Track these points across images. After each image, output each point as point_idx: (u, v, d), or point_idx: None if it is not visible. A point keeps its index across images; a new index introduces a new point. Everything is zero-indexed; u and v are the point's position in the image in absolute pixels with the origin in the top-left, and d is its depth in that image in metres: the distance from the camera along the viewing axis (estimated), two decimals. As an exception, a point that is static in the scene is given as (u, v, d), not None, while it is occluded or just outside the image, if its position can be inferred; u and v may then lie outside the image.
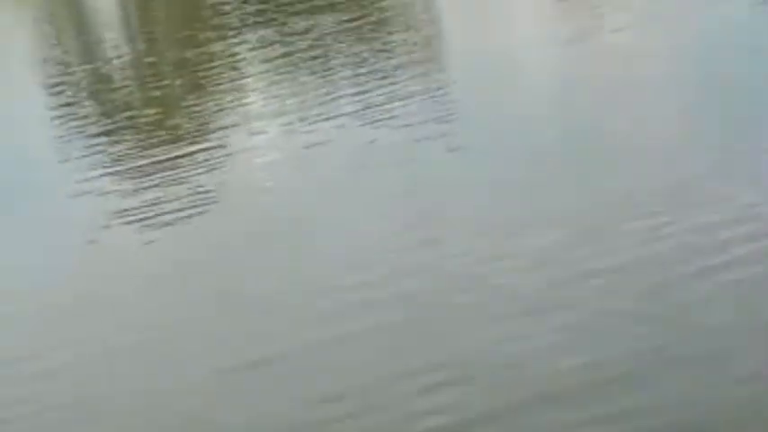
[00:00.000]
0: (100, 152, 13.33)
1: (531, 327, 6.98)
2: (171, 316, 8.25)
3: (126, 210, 10.78)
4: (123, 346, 7.81)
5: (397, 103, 12.80)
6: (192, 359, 7.41)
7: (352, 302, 7.77)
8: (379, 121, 12.26)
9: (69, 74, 19.36)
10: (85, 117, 15.47)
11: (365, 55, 15.90)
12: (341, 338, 7.26)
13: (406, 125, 11.93)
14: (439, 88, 13.34)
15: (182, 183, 11.29)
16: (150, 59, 19.38)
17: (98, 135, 14.23)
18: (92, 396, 7.21)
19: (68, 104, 16.60)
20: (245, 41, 18.89)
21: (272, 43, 18.11)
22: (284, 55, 16.97)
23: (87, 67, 19.85)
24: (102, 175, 12.22)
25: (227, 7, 23.47)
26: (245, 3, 23.42)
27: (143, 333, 7.98)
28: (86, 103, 16.63)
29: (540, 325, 6.97)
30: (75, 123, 15.12)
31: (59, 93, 17.77)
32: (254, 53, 17.71)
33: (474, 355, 6.74)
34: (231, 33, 19.92)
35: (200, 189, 10.97)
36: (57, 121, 15.70)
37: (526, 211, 8.93)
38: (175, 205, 10.61)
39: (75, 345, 8.01)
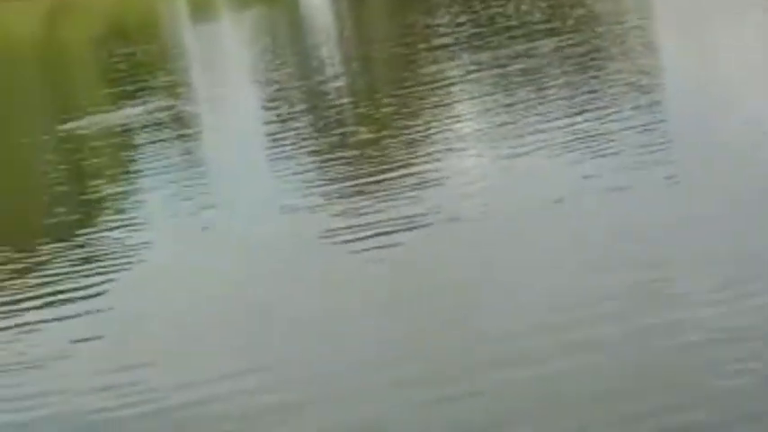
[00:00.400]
0: (311, 170, 13.42)
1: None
2: (369, 343, 8.14)
3: (333, 230, 10.76)
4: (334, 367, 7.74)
5: (610, 133, 12.51)
6: (394, 388, 7.30)
7: (554, 343, 7.53)
8: (592, 149, 12.00)
9: (284, 90, 19.65)
10: (298, 134, 15.63)
11: (581, 82, 15.65)
12: (540, 378, 7.04)
13: (620, 154, 11.64)
14: (656, 119, 12.99)
15: (389, 205, 11.22)
16: (364, 79, 19.50)
17: (310, 153, 14.35)
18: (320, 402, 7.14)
19: (282, 121, 16.83)
20: (459, 64, 18.85)
21: (486, 67, 18.01)
22: (498, 79, 16.85)
23: (301, 84, 20.10)
24: (312, 194, 12.26)
25: (442, 29, 23.52)
26: (460, 25, 23.42)
27: (343, 355, 7.91)
28: (299, 120, 16.82)
29: None
30: (287, 140, 15.28)
31: (273, 109, 18.04)
32: (469, 76, 17.63)
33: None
34: (446, 55, 19.91)
35: (407, 213, 10.87)
36: (270, 138, 15.94)
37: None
38: (381, 227, 10.54)
39: (283, 364, 7.97)
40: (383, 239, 10.19)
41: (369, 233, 10.40)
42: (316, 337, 8.30)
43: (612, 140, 12.18)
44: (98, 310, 9.56)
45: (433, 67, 18.91)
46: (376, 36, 25.83)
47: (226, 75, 24.57)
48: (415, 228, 10.39)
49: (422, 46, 21.60)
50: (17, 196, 15.46)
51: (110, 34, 38.80)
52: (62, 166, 16.78)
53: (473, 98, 16.03)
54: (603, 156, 11.72)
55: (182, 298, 9.74)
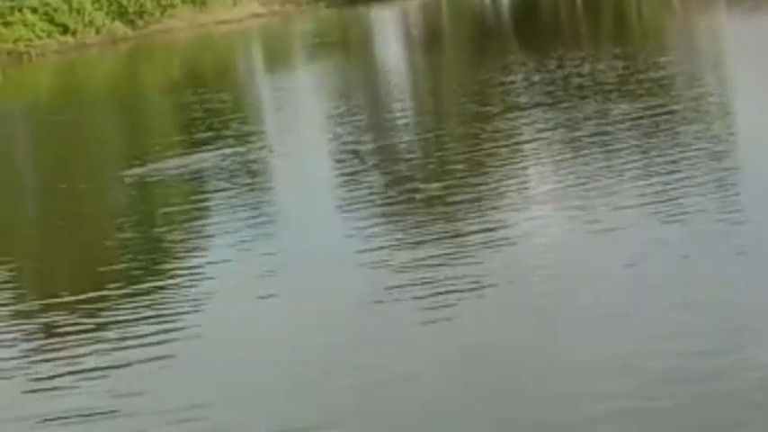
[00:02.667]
0: (380, 224, 13.40)
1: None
2: (424, 404, 8.05)
3: (398, 286, 10.71)
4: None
5: (682, 198, 12.38)
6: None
7: (608, 410, 7.40)
8: (663, 215, 11.88)
9: (355, 143, 19.67)
10: (368, 188, 15.62)
11: (654, 146, 15.53)
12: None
13: (691, 221, 11.51)
14: (729, 187, 12.83)
15: (456, 263, 11.16)
16: (436, 134, 19.49)
17: (379, 207, 14.33)
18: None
19: (352, 174, 16.83)
20: (532, 123, 18.78)
21: (559, 127, 17.94)
22: (571, 140, 16.76)
23: (373, 136, 20.13)
24: (379, 249, 12.22)
25: (516, 86, 23.49)
26: (534, 84, 23.37)
27: (399, 414, 7.83)
28: (370, 173, 16.81)
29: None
30: (356, 194, 15.27)
31: (344, 161, 18.06)
32: (541, 135, 17.56)
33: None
34: (519, 114, 19.86)
35: (473, 272, 10.79)
36: (339, 190, 15.95)
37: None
38: (447, 286, 10.47)
39: (338, 422, 7.91)
40: (448, 298, 10.13)
41: (434, 291, 10.35)
42: (372, 395, 8.24)
43: (684, 207, 12.05)
44: (159, 359, 9.56)
45: (506, 125, 18.86)
46: (450, 90, 25.82)
47: (298, 125, 24.67)
48: (480, 288, 10.32)
49: (495, 103, 21.57)
50: (84, 240, 15.56)
51: (186, 80, 39.19)
52: (131, 211, 16.90)
53: (544, 158, 15.96)
54: (674, 222, 11.60)
55: (242, 350, 9.72)
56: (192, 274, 12.25)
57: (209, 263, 12.75)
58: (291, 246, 13.29)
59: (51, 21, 62.72)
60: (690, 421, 7.20)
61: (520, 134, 17.96)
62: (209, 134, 23.06)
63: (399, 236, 12.63)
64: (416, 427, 7.59)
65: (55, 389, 9.13)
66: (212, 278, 12.07)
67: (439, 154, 17.47)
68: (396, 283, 10.82)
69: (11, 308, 11.71)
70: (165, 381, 9.09)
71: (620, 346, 8.53)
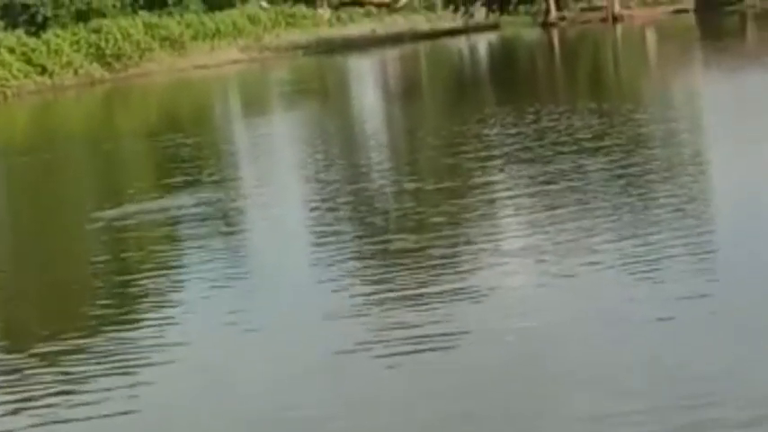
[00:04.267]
0: (352, 276, 13.34)
1: None
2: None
3: (369, 341, 10.65)
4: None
5: (657, 259, 12.36)
6: None
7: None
8: (636, 274, 11.85)
9: (330, 192, 19.64)
10: (342, 238, 15.59)
11: (629, 203, 15.54)
12: None
13: (665, 282, 11.50)
14: (704, 247, 12.82)
15: (428, 318, 11.10)
16: (411, 186, 19.46)
17: (352, 259, 14.28)
18: None
19: (326, 224, 16.79)
20: (508, 177, 18.82)
21: (535, 182, 17.94)
22: (546, 195, 16.76)
23: (349, 186, 20.10)
24: (351, 302, 12.16)
25: (492, 139, 23.54)
26: (511, 136, 23.42)
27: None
28: (344, 223, 16.78)
29: None
30: (330, 244, 15.23)
31: (319, 210, 18.02)
32: (516, 190, 17.57)
33: None
34: (495, 167, 19.90)
35: (444, 328, 10.72)
36: (313, 240, 15.90)
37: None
38: (419, 341, 10.40)
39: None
40: (419, 354, 10.06)
41: (405, 347, 10.29)
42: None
43: (658, 267, 12.03)
44: (125, 412, 9.44)
45: (481, 179, 18.87)
46: (426, 142, 25.84)
47: (274, 172, 24.63)
48: (451, 344, 10.26)
49: (471, 156, 21.58)
50: (51, 283, 15.44)
51: (162, 123, 39.18)
52: (101, 255, 16.80)
53: (519, 213, 15.94)
54: (648, 281, 11.58)
55: (210, 401, 9.62)
56: (159, 322, 12.15)
57: (177, 311, 12.65)
58: (262, 296, 13.23)
59: (29, 61, 62.80)
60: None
61: (495, 188, 17.97)
62: (185, 179, 23.01)
63: (373, 289, 12.56)
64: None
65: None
66: (180, 327, 11.97)
67: (413, 206, 17.43)
68: (368, 337, 10.75)
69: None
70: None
71: (587, 408, 8.48)
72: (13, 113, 55.38)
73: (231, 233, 17.39)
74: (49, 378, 10.34)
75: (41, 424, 9.19)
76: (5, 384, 10.38)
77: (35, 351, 11.32)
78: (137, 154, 31.35)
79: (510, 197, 17.10)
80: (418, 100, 39.44)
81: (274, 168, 25.24)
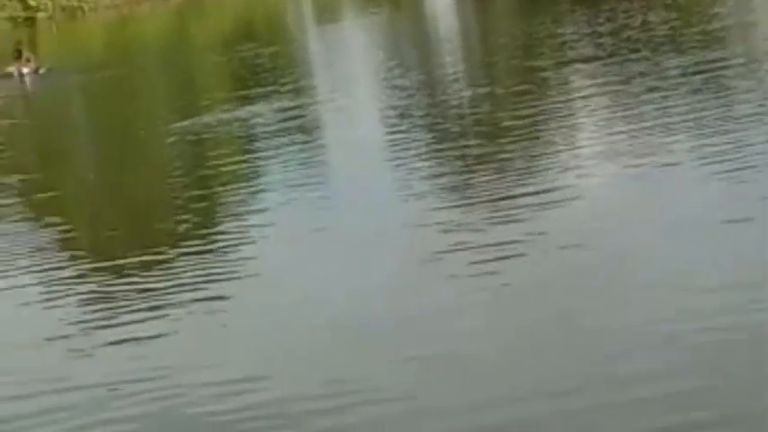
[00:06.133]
0: (431, 182, 13.29)
1: None
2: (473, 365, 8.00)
3: (449, 245, 10.62)
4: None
5: (737, 157, 12.16)
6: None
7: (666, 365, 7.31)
8: (718, 173, 11.69)
9: (406, 97, 19.59)
10: (420, 144, 15.55)
11: (708, 101, 15.31)
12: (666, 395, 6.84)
13: (747, 182, 11.31)
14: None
15: (509, 222, 11.05)
16: (487, 88, 19.34)
17: (431, 164, 14.23)
18: None
19: (404, 130, 16.75)
20: (584, 76, 18.61)
21: (611, 80, 17.74)
22: (623, 94, 16.57)
23: (425, 91, 20.04)
24: (430, 206, 12.15)
25: (567, 39, 23.26)
26: (586, 36, 23.13)
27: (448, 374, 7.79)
28: (422, 129, 16.74)
29: None
30: (408, 149, 15.20)
31: (395, 116, 17.99)
32: (593, 89, 17.39)
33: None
34: (571, 67, 19.68)
35: (523, 234, 10.67)
36: (390, 146, 15.88)
37: None
38: (500, 246, 10.35)
39: (381, 381, 7.88)
40: (498, 260, 10.02)
41: (486, 252, 10.24)
42: (416, 354, 8.20)
43: (738, 166, 11.85)
44: (209, 326, 9.55)
45: (557, 80, 18.70)
46: (500, 44, 25.63)
47: (349, 78, 24.62)
48: (530, 249, 10.21)
49: (546, 57, 21.39)
50: (133, 198, 15.60)
51: (237, 34, 39.19)
52: (181, 169, 16.94)
53: (596, 114, 15.78)
54: (730, 181, 11.42)
55: (292, 312, 9.68)
56: (239, 235, 12.19)
57: (256, 223, 12.68)
58: (341, 204, 13.25)
59: (104, -25, 62.91)
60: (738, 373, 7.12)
61: (572, 89, 17.80)
62: (261, 89, 23.08)
63: (450, 196, 12.54)
64: (459, 387, 7.56)
65: (101, 357, 9.13)
66: (261, 240, 12.02)
67: (490, 110, 17.34)
68: (448, 241, 10.73)
69: (63, 271, 11.74)
70: (217, 349, 9.06)
71: (667, 315, 8.43)
72: (90, 28, 55.71)
73: (308, 142, 17.44)
74: (131, 294, 10.46)
75: (126, 340, 9.31)
76: (90, 301, 10.54)
77: (117, 266, 11.46)
78: (212, 65, 31.44)
79: (586, 97, 16.93)
80: (492, 1, 39.00)
81: (350, 75, 25.21)
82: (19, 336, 9.80)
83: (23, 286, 11.24)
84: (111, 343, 9.29)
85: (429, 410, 7.30)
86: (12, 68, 32.01)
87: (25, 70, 32.02)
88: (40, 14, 59.70)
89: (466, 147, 14.89)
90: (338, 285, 10.19)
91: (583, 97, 17.05)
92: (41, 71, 32.18)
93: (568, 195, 11.75)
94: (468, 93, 19.66)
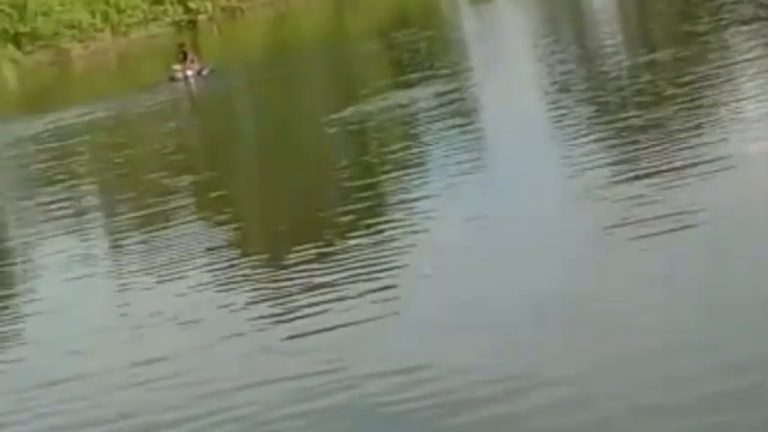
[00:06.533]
0: (595, 157, 13.13)
1: None
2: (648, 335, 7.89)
3: (616, 219, 10.50)
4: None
5: None
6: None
7: None
8: None
9: (565, 73, 19.42)
10: (581, 119, 15.38)
11: None
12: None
13: None
14: None
15: (676, 194, 10.85)
16: (647, 58, 19.04)
17: (594, 139, 14.06)
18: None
19: (564, 106, 16.61)
20: (745, 39, 18.17)
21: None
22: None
23: (583, 66, 19.83)
24: (594, 181, 12.01)
25: (725, 1, 22.74)
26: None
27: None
28: (582, 104, 16.56)
29: None
30: (570, 126, 15.06)
31: (555, 93, 17.84)
32: (755, 52, 16.96)
33: None
34: (730, 30, 19.24)
35: (693, 206, 10.46)
36: (552, 123, 15.75)
37: None
38: (668, 218, 10.19)
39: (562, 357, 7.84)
40: (672, 233, 9.84)
41: (656, 224, 10.08)
42: (592, 335, 8.14)
43: None
44: (378, 317, 9.60)
45: (718, 45, 18.30)
46: (657, 10, 25.17)
47: (506, 56, 24.51)
48: (701, 219, 10.03)
49: (705, 20, 20.94)
50: (301, 189, 15.79)
51: (391, 22, 39.33)
52: (342, 158, 17.10)
53: (759, 77, 15.37)
54: None
55: (463, 288, 9.68)
56: (407, 222, 12.20)
57: (423, 209, 12.67)
58: (506, 184, 13.19)
59: (259, -26, 63.74)
60: None
61: (733, 53, 17.40)
62: (418, 74, 23.13)
63: (617, 168, 12.37)
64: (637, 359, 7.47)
65: (279, 352, 9.26)
66: (428, 225, 11.99)
67: (651, 80, 17.05)
68: (614, 215, 10.60)
69: (236, 269, 11.95)
70: (392, 338, 9.11)
71: None
72: (249, 27, 56.57)
73: (469, 124, 17.43)
74: (302, 288, 10.55)
75: (302, 334, 9.40)
76: (264, 297, 10.69)
77: (287, 261, 11.58)
78: (370, 54, 31.63)
79: (748, 60, 16.52)
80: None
81: (507, 53, 25.11)
82: (197, 335, 10.02)
83: (199, 286, 11.49)
84: (288, 338, 9.42)
85: (604, 394, 7.24)
86: (177, 71, 32.71)
87: (189, 72, 32.70)
88: (201, 17, 60.88)
89: (628, 118, 14.69)
90: (508, 268, 10.14)
91: (745, 60, 16.65)
92: (205, 72, 32.83)
93: (736, 163, 11.49)
94: (627, 63, 19.38)
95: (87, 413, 8.73)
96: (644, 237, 9.86)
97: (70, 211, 17.13)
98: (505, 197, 12.62)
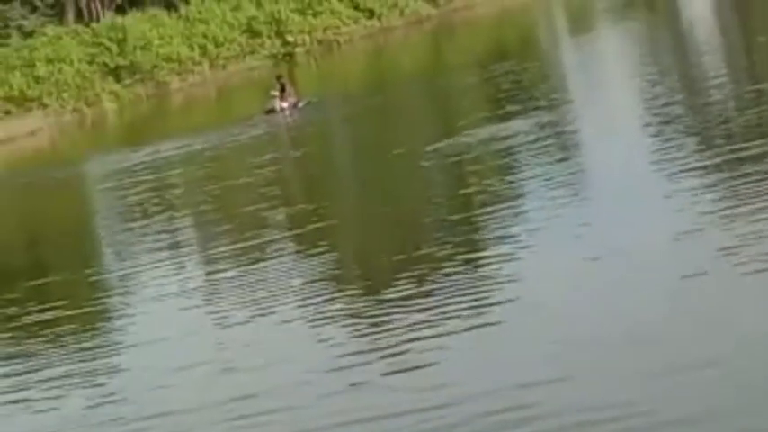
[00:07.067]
0: (700, 191, 12.77)
1: None
2: None
3: (725, 252, 10.16)
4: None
5: None
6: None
7: None
8: None
9: (668, 105, 19.03)
10: (684, 152, 14.99)
11: None
12: None
13: None
14: None
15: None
16: (754, 88, 18.58)
17: (698, 172, 13.68)
18: None
19: (667, 139, 16.20)
20: None
21: None
22: None
23: (686, 98, 19.44)
24: (700, 216, 11.68)
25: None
26: None
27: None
28: (686, 137, 16.12)
29: None
30: (673, 158, 14.68)
31: (657, 125, 17.46)
32: None
33: None
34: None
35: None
36: (654, 155, 15.37)
37: None
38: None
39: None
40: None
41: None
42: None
43: None
44: (483, 336, 9.39)
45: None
46: (762, 42, 24.62)
47: (607, 88, 24.18)
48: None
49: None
50: (399, 221, 15.62)
51: (489, 53, 39.17)
52: (439, 190, 16.94)
53: None
54: None
55: (567, 321, 9.44)
56: (506, 256, 11.98)
57: (522, 243, 12.43)
58: (608, 218, 12.91)
59: (357, 7, 64.08)
60: None
61: None
62: (517, 106, 22.87)
63: (721, 204, 12.01)
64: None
65: (382, 387, 9.08)
66: (528, 259, 11.77)
67: (758, 111, 16.61)
68: (723, 248, 10.26)
69: (335, 302, 11.77)
70: (491, 374, 8.88)
71: None
72: (347, 60, 56.79)
73: (569, 157, 17.13)
74: (402, 323, 10.36)
75: (403, 369, 9.23)
76: (363, 331, 10.52)
77: (386, 296, 11.41)
78: (468, 86, 31.45)
79: None
80: (748, 3, 37.68)
81: (607, 85, 24.76)
82: (293, 371, 9.85)
83: (295, 320, 11.35)
84: (386, 374, 9.24)
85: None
86: (274, 104, 32.82)
87: (284, 105, 32.79)
88: (298, 49, 61.25)
89: (735, 150, 14.28)
90: (611, 302, 9.87)
91: None
92: (301, 105, 32.89)
93: None
94: (732, 94, 18.94)
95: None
96: (757, 272, 9.51)
97: (166, 243, 17.13)
98: (609, 231, 12.30)
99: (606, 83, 25.13)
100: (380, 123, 27.34)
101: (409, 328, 10.11)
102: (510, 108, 22.79)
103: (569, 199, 13.99)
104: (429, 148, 19.95)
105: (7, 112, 50.14)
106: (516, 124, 20.39)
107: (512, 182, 15.99)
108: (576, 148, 17.94)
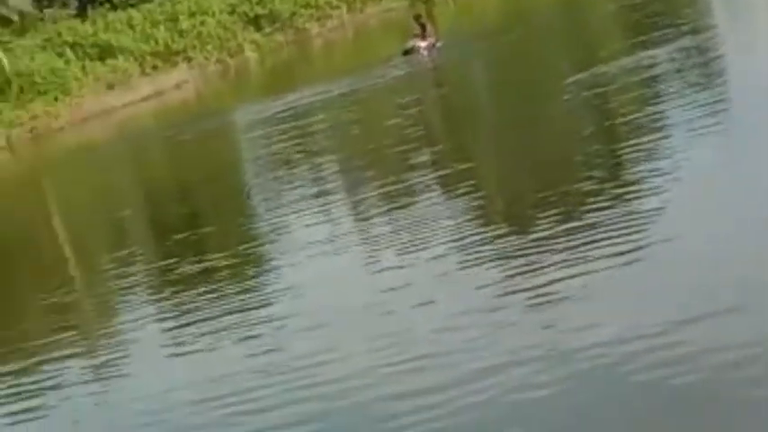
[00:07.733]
0: None
1: None
2: None
3: None
4: None
5: None
6: None
7: None
8: None
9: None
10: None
11: None
12: None
13: None
14: None
15: None
16: None
17: None
18: None
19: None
20: None
21: None
22: None
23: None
24: None
25: None
26: None
27: None
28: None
29: None
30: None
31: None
32: None
33: None
34: None
35: None
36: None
37: None
38: None
39: None
40: None
41: None
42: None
43: None
44: (624, 266, 9.35)
45: None
46: None
47: (752, 12, 23.59)
48: None
49: None
50: (540, 156, 15.56)
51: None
52: (582, 117, 16.82)
53: None
54: None
55: (701, 255, 9.33)
56: (649, 186, 11.89)
57: (665, 170, 12.30)
58: (749, 147, 12.64)
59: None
60: None
61: None
62: (657, 33, 22.52)
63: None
64: None
65: (524, 325, 9.14)
66: (668, 189, 11.69)
67: None
68: None
69: (482, 247, 11.81)
70: (634, 305, 8.86)
71: None
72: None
73: (714, 85, 16.83)
74: (543, 262, 10.36)
75: (545, 302, 9.27)
76: (503, 273, 10.55)
77: (525, 233, 11.43)
78: (607, 15, 31.03)
79: None
80: None
81: (752, 8, 24.16)
82: (441, 313, 9.95)
83: (443, 262, 11.45)
84: (533, 311, 9.29)
85: None
86: (412, 44, 32.76)
87: (422, 44, 32.70)
88: (435, -12, 60.90)
89: None
90: (756, 237, 9.71)
91: None
92: (439, 44, 32.78)
93: None
94: None
95: (332, 395, 8.76)
96: None
97: (312, 191, 17.34)
98: (746, 161, 12.04)
99: (752, 5, 24.51)
100: (521, 57, 27.17)
101: (557, 266, 10.14)
102: (650, 35, 22.43)
103: (718, 128, 13.76)
104: (571, 80, 19.79)
105: (154, 67, 50.93)
106: (659, 51, 20.07)
107: (657, 112, 15.78)
108: (722, 75, 17.60)
